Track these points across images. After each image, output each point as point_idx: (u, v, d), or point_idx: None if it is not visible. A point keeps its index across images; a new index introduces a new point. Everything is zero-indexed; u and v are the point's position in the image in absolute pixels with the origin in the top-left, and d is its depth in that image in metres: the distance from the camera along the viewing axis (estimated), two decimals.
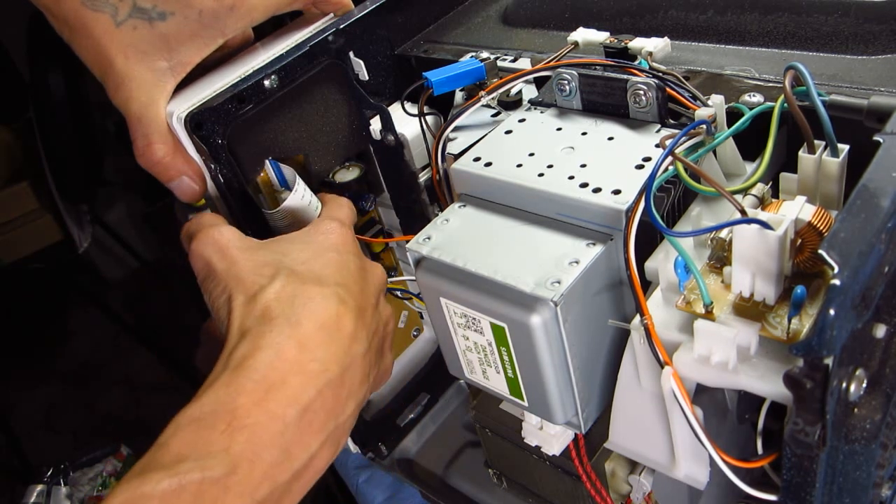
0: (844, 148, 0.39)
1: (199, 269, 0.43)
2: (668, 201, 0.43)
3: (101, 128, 1.81)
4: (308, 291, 0.40)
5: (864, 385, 0.32)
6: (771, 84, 0.45)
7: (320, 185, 0.59)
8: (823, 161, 0.39)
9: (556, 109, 0.49)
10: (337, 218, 0.48)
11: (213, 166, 0.48)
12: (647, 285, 0.41)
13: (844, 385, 0.31)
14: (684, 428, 0.37)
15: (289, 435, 0.37)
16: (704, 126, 0.41)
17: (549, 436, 0.50)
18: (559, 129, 0.48)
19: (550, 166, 0.44)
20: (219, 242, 0.43)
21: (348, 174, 0.59)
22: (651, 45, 0.46)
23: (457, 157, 0.48)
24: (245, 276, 0.41)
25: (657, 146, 0.43)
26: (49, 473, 1.29)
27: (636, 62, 0.47)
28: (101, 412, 2.00)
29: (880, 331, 0.33)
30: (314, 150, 0.56)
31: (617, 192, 0.41)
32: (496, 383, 0.46)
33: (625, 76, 0.46)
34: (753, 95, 0.44)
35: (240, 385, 0.37)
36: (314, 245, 0.45)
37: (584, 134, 0.47)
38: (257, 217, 0.52)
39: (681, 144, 0.40)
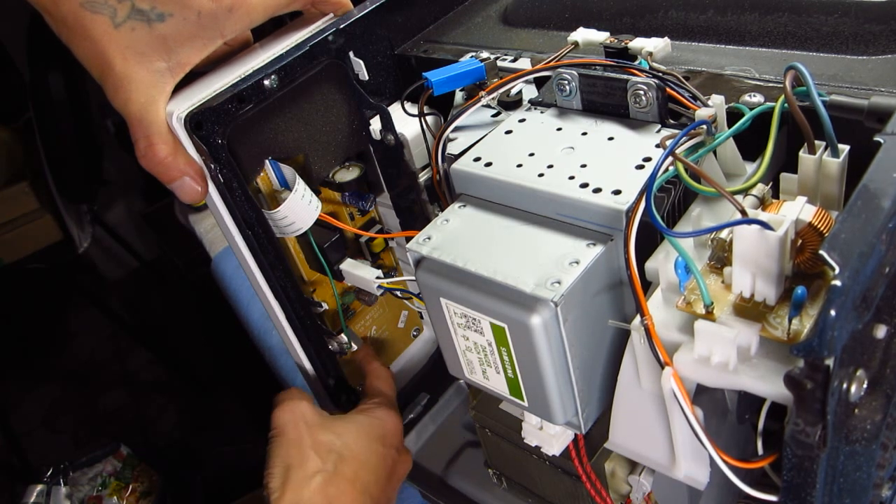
0: (845, 148, 0.39)
1: (274, 427, 0.54)
2: (669, 201, 0.43)
3: (101, 128, 1.81)
4: (344, 495, 0.52)
5: (865, 386, 0.32)
6: (771, 84, 0.45)
7: (320, 185, 0.59)
8: (824, 161, 0.39)
9: (556, 109, 0.49)
10: (387, 396, 0.60)
11: (213, 166, 0.48)
12: (648, 285, 0.41)
13: (845, 386, 0.31)
14: (684, 428, 0.37)
15: None
16: (705, 126, 0.41)
17: (549, 436, 0.50)
18: (559, 129, 0.48)
19: (550, 166, 0.44)
20: (295, 413, 0.54)
21: (348, 174, 0.59)
22: (651, 46, 0.46)
23: (457, 157, 0.48)
24: (307, 453, 0.52)
25: (657, 146, 0.43)
26: (49, 473, 1.29)
27: (636, 62, 0.47)
28: (101, 412, 2.00)
29: (881, 331, 0.33)
30: (314, 150, 0.56)
31: (617, 192, 0.41)
32: (496, 383, 0.46)
33: (625, 76, 0.46)
34: (754, 95, 0.44)
35: None
36: (366, 430, 0.56)
37: (584, 134, 0.47)
38: (257, 217, 0.52)
39: (681, 145, 0.40)
